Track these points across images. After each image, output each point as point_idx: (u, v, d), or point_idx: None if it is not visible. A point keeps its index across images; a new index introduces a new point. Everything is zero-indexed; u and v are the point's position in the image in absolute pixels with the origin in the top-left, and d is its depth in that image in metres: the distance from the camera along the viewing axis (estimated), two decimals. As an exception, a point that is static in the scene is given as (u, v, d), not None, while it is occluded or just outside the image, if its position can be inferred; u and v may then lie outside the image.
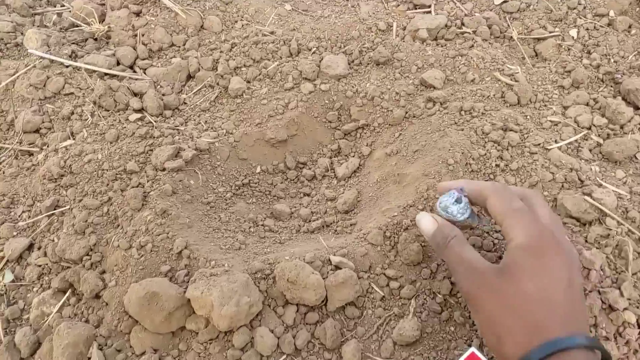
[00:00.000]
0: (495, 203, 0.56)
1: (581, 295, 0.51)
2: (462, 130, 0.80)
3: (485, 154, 0.76)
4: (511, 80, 0.90)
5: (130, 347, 0.66)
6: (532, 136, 0.78)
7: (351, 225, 0.79)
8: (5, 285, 0.77)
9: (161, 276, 0.69)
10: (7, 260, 0.80)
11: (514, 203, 0.54)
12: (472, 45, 0.99)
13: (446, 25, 1.04)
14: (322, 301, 0.65)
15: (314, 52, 1.04)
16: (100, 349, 0.66)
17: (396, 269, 0.68)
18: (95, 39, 1.15)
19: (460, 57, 0.96)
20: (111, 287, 0.70)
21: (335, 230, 0.79)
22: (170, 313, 0.64)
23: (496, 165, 0.75)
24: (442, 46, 1.01)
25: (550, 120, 0.82)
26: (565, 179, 0.72)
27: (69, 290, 0.74)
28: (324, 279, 0.66)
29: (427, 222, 0.61)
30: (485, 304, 0.51)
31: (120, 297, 0.68)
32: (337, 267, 0.67)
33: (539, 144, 0.77)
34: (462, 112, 0.84)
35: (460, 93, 0.89)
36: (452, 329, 0.63)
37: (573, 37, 0.99)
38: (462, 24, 1.05)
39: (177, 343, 0.65)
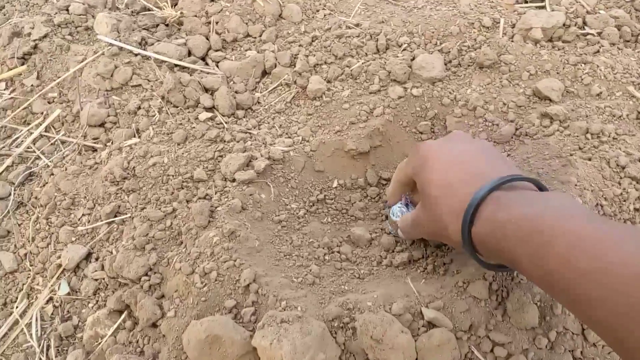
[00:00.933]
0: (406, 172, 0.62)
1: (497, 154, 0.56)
2: (590, 159, 0.66)
3: (622, 194, 0.62)
4: (650, 97, 0.74)
5: (187, 391, 0.59)
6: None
7: (444, 264, 0.67)
8: (60, 298, 0.72)
9: (225, 312, 0.60)
10: (64, 269, 0.74)
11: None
12: (598, 51, 0.83)
13: (564, 25, 0.88)
14: (412, 365, 0.54)
15: (404, 49, 0.91)
16: (155, 390, 0.59)
17: (504, 332, 0.56)
18: (167, 25, 1.07)
19: (583, 65, 0.81)
20: (170, 317, 0.62)
21: (425, 269, 0.67)
22: (233, 360, 0.55)
23: (635, 209, 0.61)
24: (559, 49, 0.86)
25: (703, 154, 0.67)
26: None
27: (125, 312, 0.67)
28: (414, 337, 0.55)
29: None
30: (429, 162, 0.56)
31: (179, 331, 0.60)
32: (431, 324, 0.56)
33: None
34: (589, 136, 0.69)
35: (583, 110, 0.74)
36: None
37: None
38: (585, 23, 0.89)
39: (239, 393, 0.57)
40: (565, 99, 0.78)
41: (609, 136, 0.69)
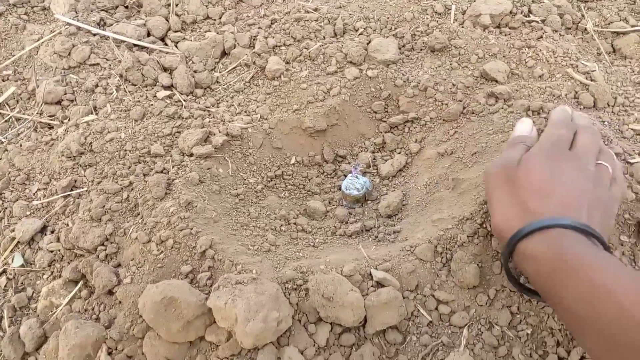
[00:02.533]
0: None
1: (590, 195, 0.54)
2: (530, 133, 0.70)
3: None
4: (586, 78, 0.79)
5: (143, 354, 0.59)
6: (612, 146, 0.68)
7: (394, 232, 0.70)
8: (14, 270, 0.71)
9: (181, 277, 0.62)
10: (18, 242, 0.73)
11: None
12: (541, 36, 0.88)
13: (511, 12, 0.93)
14: (361, 322, 0.57)
15: (361, 34, 0.94)
16: (110, 354, 0.59)
17: (448, 291, 0.59)
18: (126, 7, 1.07)
19: (527, 49, 0.86)
20: (126, 284, 0.63)
21: (376, 237, 0.70)
22: (188, 322, 0.56)
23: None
24: (506, 35, 0.90)
25: (632, 129, 0.72)
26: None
27: (81, 282, 0.68)
28: (363, 296, 0.57)
29: (522, 127, 0.66)
30: (498, 187, 0.57)
31: (135, 296, 0.61)
32: (380, 284, 0.59)
33: (619, 155, 0.67)
34: (530, 113, 0.73)
35: (526, 90, 0.79)
36: (511, 367, 0.54)
37: (660, 33, 0.87)
38: (530, 11, 0.94)
39: (194, 355, 0.58)
40: (511, 80, 0.82)
41: (547, 113, 0.73)
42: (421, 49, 0.90)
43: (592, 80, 0.79)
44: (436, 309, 0.58)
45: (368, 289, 0.59)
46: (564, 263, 0.46)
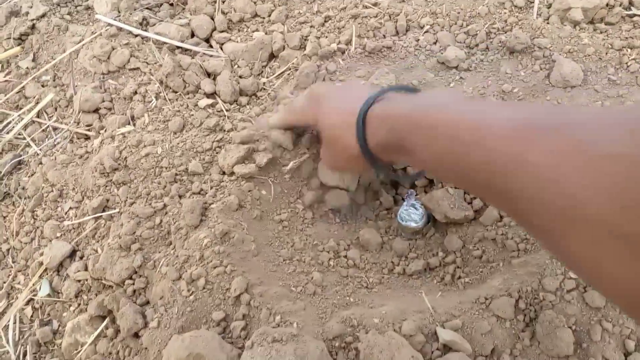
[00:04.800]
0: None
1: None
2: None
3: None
4: None
5: (168, 411, 0.52)
6: None
7: (465, 275, 0.59)
8: (40, 299, 0.66)
9: (212, 325, 0.54)
10: (46, 268, 0.68)
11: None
12: (647, 34, 0.73)
13: (608, 5, 0.78)
14: (423, 397, 0.46)
15: (426, 31, 0.83)
16: (132, 409, 0.52)
17: (533, 358, 0.48)
18: (171, 4, 1.00)
19: (629, 50, 0.71)
20: (152, 328, 0.56)
21: (442, 279, 0.60)
22: (218, 383, 0.48)
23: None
24: (602, 32, 0.76)
25: None
26: None
27: (107, 319, 0.61)
28: (427, 363, 0.47)
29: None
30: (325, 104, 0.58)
31: (162, 344, 0.54)
32: (447, 347, 0.48)
33: None
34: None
35: (627, 100, 0.65)
36: None
37: None
38: (631, 3, 0.79)
39: (224, 418, 0.50)
40: (608, 88, 0.68)
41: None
42: (498, 50, 0.77)
43: None
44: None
45: (432, 352, 0.48)
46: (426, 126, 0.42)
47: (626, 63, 0.70)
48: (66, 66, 0.90)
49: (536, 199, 0.30)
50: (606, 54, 0.72)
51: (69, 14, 1.00)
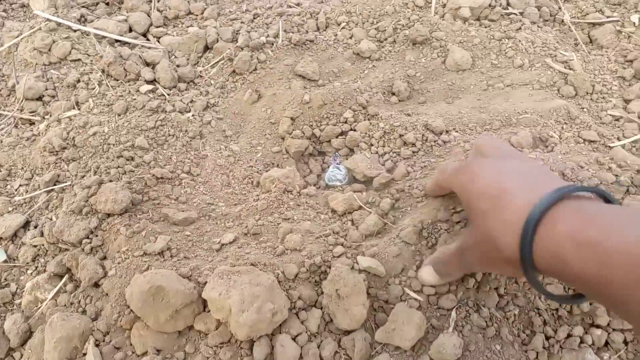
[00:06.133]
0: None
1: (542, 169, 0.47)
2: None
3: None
4: (565, 67, 0.81)
5: (131, 345, 0.59)
6: (590, 132, 0.69)
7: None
8: (-4, 266, 0.70)
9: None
10: (1, 238, 0.72)
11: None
12: (520, 28, 0.90)
13: (490, 5, 0.94)
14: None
15: (343, 28, 0.95)
16: (97, 346, 0.59)
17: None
18: (107, 3, 1.06)
19: (507, 40, 0.87)
20: (111, 276, 0.63)
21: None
22: (177, 311, 0.56)
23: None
24: (486, 27, 0.92)
25: (610, 115, 0.73)
26: (632, 182, 0.63)
27: (66, 276, 0.67)
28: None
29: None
30: (479, 175, 0.48)
31: (122, 288, 0.61)
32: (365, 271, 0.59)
33: (597, 142, 0.68)
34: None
35: (507, 79, 0.80)
36: (499, 347, 0.55)
37: (634, 23, 0.89)
38: (508, 4, 0.96)
39: (183, 344, 0.58)
40: (491, 70, 0.84)
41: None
42: (403, 42, 0.91)
43: (570, 69, 0.80)
44: (422, 290, 0.59)
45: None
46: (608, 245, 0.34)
47: (504, 50, 0.86)
48: (6, 58, 0.94)
49: None
50: (489, 43, 0.87)
51: (4, 11, 1.03)
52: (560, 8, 0.95)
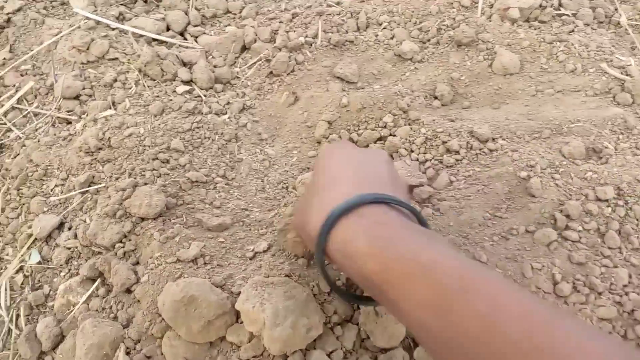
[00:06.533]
0: None
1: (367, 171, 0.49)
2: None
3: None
4: (622, 73, 0.76)
5: (162, 354, 0.57)
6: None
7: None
8: (31, 267, 0.70)
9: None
10: (35, 239, 0.72)
11: None
12: (573, 30, 0.85)
13: (541, 5, 0.90)
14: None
15: (384, 28, 0.92)
16: (128, 354, 0.57)
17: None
18: (145, 1, 1.05)
19: (558, 43, 0.82)
20: (144, 282, 0.61)
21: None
22: (209, 321, 0.55)
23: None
24: (536, 29, 0.87)
25: (672, 125, 0.68)
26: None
27: (98, 280, 0.66)
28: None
29: None
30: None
31: (154, 295, 0.59)
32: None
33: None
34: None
35: (558, 85, 0.76)
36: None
37: (699, 26, 0.83)
38: (560, 4, 0.91)
39: (214, 355, 0.56)
40: (541, 75, 0.79)
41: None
42: (447, 43, 0.87)
43: (628, 75, 0.75)
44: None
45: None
46: (392, 262, 0.37)
47: (556, 54, 0.81)
48: (44, 57, 0.94)
49: None
50: (539, 46, 0.83)
51: (44, 8, 1.04)
52: (616, 9, 0.90)
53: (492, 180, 0.65)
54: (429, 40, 0.89)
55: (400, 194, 0.46)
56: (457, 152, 0.70)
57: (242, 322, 0.55)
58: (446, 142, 0.72)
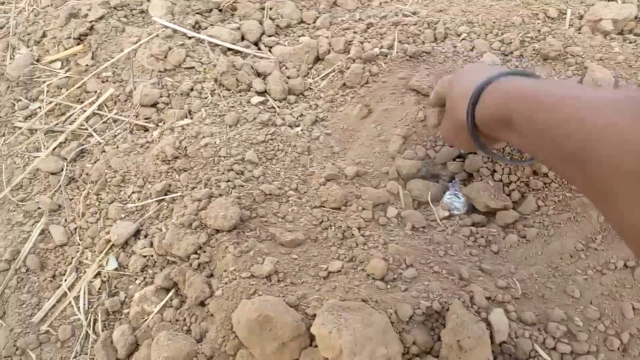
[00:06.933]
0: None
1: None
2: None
3: None
4: None
5: (234, 372, 0.57)
6: None
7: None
8: (108, 273, 0.71)
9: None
10: (113, 245, 0.74)
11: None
12: (674, 44, 0.78)
13: (637, 17, 0.83)
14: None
15: (463, 39, 0.88)
16: (201, 369, 0.57)
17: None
18: (220, 10, 1.06)
19: (658, 58, 0.76)
20: (218, 296, 0.61)
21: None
22: (284, 343, 0.53)
23: None
24: (631, 42, 0.81)
25: None
26: None
27: (173, 290, 0.66)
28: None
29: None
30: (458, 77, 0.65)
31: (228, 311, 0.59)
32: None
33: None
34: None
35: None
36: None
37: None
38: (658, 16, 0.84)
39: (287, 378, 0.55)
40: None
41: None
42: (532, 57, 0.83)
43: None
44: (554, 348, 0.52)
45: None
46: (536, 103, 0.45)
47: (655, 71, 0.75)
48: (124, 64, 0.97)
49: (613, 162, 0.33)
50: (635, 61, 0.77)
51: (125, 16, 1.07)
52: None
53: (586, 208, 0.61)
54: (511, 52, 0.85)
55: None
56: (546, 175, 0.66)
57: (316, 346, 0.54)
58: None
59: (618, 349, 0.52)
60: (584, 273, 0.56)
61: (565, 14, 0.86)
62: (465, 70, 0.65)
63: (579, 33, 0.83)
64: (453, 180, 0.73)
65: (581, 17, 0.86)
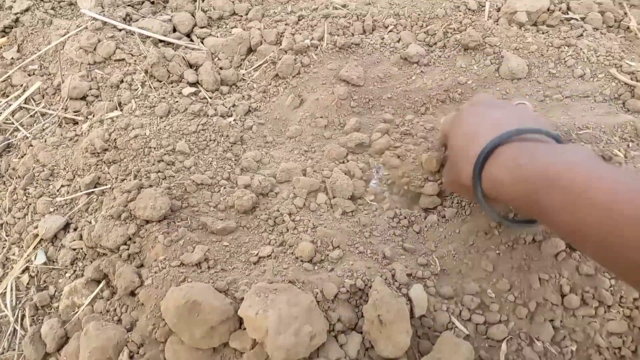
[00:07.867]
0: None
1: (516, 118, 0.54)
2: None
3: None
4: (632, 79, 0.75)
5: (165, 359, 0.58)
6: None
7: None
8: (36, 267, 0.70)
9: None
10: (41, 239, 0.72)
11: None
12: (581, 35, 0.84)
13: (549, 9, 0.89)
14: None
15: (390, 31, 0.92)
16: (131, 358, 0.58)
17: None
18: (152, 2, 1.06)
19: (566, 48, 0.82)
20: (148, 285, 0.61)
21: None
22: (212, 327, 0.54)
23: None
24: (543, 33, 0.86)
25: (682, 133, 0.68)
26: None
27: (103, 282, 0.66)
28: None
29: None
30: (463, 120, 0.58)
31: (158, 299, 0.59)
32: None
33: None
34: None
35: (566, 90, 0.75)
36: (553, 387, 0.51)
37: None
38: (569, 8, 0.90)
39: (217, 361, 0.56)
40: (549, 80, 0.79)
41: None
42: (454, 47, 0.87)
43: (638, 81, 0.74)
44: (470, 319, 0.56)
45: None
46: (545, 180, 0.43)
47: (564, 59, 0.80)
48: (52, 57, 0.94)
49: None
50: (547, 51, 0.82)
51: (52, 8, 1.04)
52: (626, 13, 0.89)
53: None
54: (435, 43, 0.88)
55: (541, 125, 0.52)
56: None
57: (245, 329, 0.55)
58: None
59: (526, 316, 0.56)
60: (497, 248, 0.60)
61: (484, 6, 0.91)
62: (468, 114, 0.59)
63: (497, 24, 0.88)
64: (377, 166, 0.76)
65: (499, 10, 0.91)
